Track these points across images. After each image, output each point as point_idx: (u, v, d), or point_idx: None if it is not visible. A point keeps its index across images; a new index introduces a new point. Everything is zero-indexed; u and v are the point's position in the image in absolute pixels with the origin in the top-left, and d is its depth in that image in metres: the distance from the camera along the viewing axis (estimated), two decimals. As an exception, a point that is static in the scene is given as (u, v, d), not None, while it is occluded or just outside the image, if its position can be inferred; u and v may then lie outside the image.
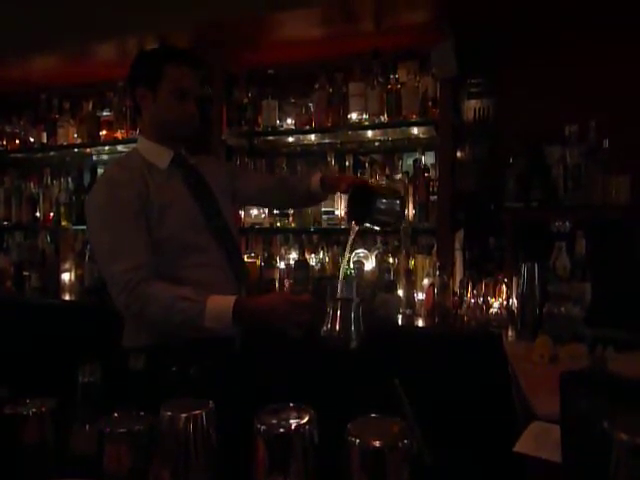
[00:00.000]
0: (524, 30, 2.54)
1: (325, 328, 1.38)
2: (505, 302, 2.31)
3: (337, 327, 1.38)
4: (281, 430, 0.79)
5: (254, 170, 2.94)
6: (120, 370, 1.57)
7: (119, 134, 3.22)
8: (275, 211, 2.91)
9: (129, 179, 1.56)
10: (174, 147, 1.67)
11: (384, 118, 2.66)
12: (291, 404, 0.85)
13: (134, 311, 1.48)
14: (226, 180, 1.85)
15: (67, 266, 3.29)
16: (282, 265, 2.87)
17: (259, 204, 2.65)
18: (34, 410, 0.96)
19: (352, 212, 1.63)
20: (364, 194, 1.57)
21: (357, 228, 1.54)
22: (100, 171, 3.34)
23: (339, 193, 2.66)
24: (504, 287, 2.32)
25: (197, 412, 0.86)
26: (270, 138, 3.04)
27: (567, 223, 2.02)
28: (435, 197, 2.58)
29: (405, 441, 0.75)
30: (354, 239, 1.55)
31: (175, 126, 1.63)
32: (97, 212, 1.55)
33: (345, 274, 1.50)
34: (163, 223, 1.55)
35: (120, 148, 3.32)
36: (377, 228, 1.78)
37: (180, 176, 1.66)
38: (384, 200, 1.57)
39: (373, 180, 2.73)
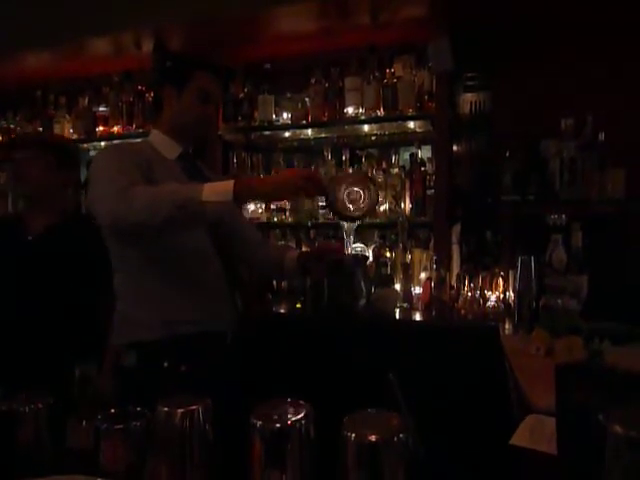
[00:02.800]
0: (520, 24, 2.53)
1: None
2: (502, 295, 2.32)
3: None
4: (277, 425, 0.79)
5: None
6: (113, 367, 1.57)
7: (115, 129, 3.21)
8: (272, 206, 2.91)
9: (135, 151, 1.62)
10: (185, 145, 1.73)
11: (380, 112, 2.65)
12: (287, 399, 0.85)
13: (118, 214, 1.37)
14: None
15: (64, 262, 3.27)
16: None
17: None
18: (30, 406, 0.96)
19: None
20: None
21: None
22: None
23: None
24: (501, 280, 2.33)
25: (194, 407, 0.86)
26: (266, 133, 3.03)
27: (563, 216, 2.02)
28: (432, 191, 2.57)
29: (401, 436, 0.76)
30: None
31: (194, 125, 1.70)
32: (98, 169, 1.54)
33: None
34: None
35: (116, 143, 3.30)
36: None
37: (185, 171, 1.69)
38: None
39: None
